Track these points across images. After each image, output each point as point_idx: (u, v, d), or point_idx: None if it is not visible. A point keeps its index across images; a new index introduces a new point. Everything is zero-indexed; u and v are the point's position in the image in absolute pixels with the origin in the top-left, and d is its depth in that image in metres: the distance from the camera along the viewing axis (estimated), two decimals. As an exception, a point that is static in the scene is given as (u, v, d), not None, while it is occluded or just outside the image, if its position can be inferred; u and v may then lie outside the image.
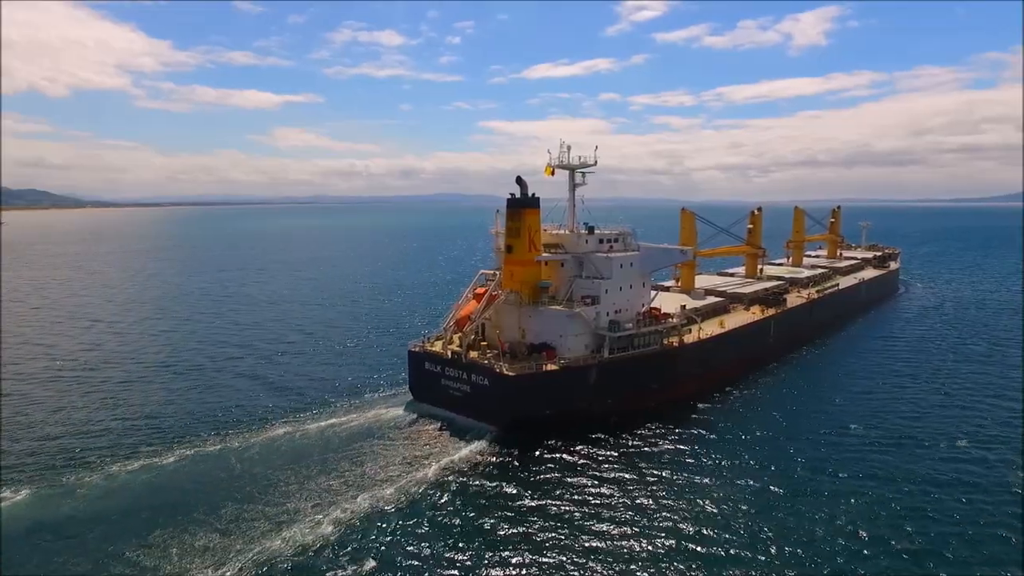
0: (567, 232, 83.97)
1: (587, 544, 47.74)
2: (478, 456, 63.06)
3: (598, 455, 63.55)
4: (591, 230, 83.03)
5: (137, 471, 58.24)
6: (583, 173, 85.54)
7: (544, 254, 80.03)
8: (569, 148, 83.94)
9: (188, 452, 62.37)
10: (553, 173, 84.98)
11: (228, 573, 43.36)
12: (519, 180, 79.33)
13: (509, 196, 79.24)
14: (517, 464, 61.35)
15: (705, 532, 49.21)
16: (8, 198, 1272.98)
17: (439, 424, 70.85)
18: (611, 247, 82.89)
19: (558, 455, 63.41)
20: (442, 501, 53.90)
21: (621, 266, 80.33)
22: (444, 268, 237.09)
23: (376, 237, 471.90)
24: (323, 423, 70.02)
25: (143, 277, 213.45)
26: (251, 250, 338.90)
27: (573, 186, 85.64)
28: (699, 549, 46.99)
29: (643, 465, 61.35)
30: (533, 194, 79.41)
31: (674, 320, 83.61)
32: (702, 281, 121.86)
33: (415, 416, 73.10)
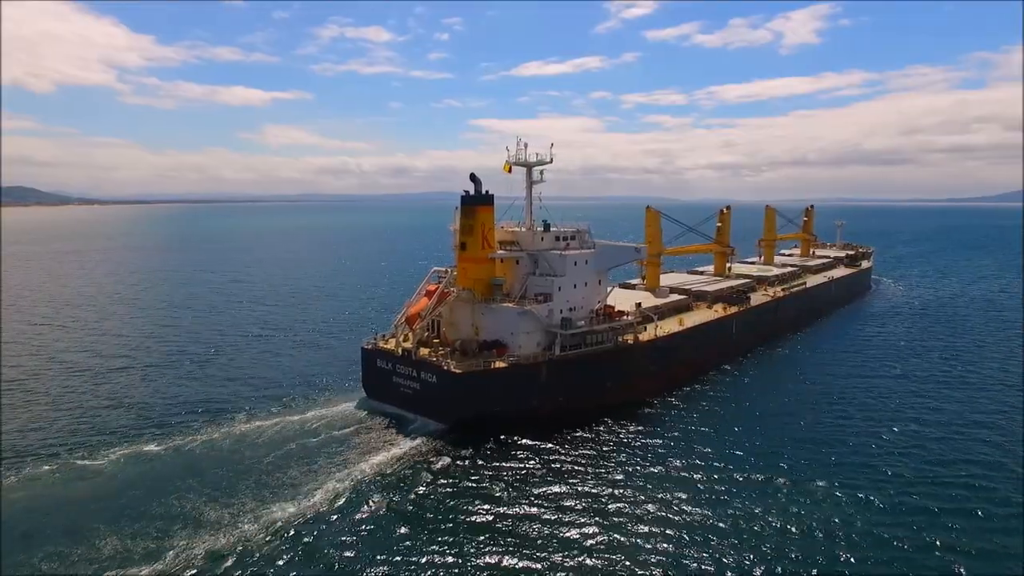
0: (523, 229, 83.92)
1: (527, 541, 47.55)
2: (422, 454, 62.76)
3: (544, 454, 63.31)
4: (547, 227, 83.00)
5: (76, 471, 57.57)
6: (541, 170, 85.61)
7: (499, 251, 79.88)
8: (526, 145, 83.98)
9: (131, 450, 61.77)
10: (511, 170, 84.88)
11: (151, 573, 42.96)
12: (473, 177, 79.09)
13: (463, 193, 79.09)
14: (461, 463, 61.05)
15: (650, 531, 48.93)
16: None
17: (388, 421, 70.64)
18: (567, 244, 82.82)
19: (503, 453, 63.24)
20: (382, 498, 53.59)
21: (575, 263, 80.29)
22: (425, 265, 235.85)
23: (362, 236, 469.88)
24: (275, 420, 69.57)
25: (97, 275, 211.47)
26: (221, 249, 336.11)
27: (530, 183, 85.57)
28: (646, 547, 46.80)
29: (589, 464, 61.15)
30: (487, 191, 79.32)
31: (629, 318, 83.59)
32: (669, 279, 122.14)
33: (365, 413, 72.86)
